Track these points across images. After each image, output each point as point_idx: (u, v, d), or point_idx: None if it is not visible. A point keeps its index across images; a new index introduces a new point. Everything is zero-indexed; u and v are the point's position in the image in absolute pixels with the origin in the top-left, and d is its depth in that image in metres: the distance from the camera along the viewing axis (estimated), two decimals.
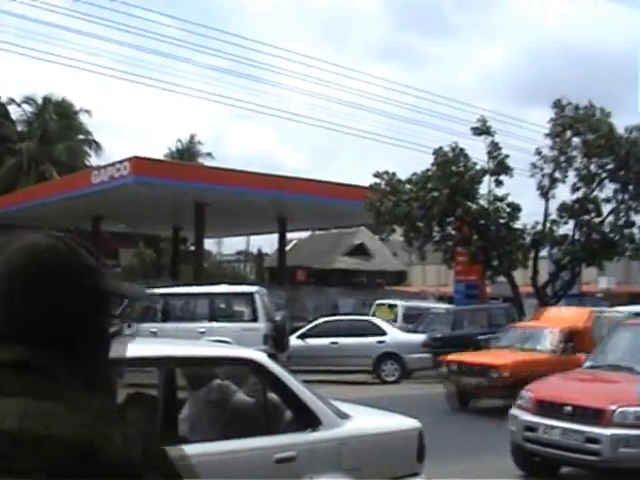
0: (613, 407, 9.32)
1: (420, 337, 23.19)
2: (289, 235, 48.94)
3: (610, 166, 31.75)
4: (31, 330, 1.35)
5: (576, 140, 32.17)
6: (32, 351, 1.33)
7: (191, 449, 5.51)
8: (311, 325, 23.99)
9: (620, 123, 32.41)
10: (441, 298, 41.29)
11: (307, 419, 5.99)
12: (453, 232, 31.79)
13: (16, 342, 1.33)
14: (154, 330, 18.53)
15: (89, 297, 1.42)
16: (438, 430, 9.41)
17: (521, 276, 35.18)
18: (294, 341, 22.01)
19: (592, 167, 32.16)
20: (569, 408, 9.73)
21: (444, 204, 30.23)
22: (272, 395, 6.08)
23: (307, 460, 5.88)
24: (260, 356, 6.24)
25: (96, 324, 1.43)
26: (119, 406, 1.59)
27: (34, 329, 1.35)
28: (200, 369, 6.48)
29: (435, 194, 30.32)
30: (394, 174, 31.81)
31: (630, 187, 32.11)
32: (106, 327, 1.45)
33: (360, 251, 60.94)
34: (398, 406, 8.56)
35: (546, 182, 32.23)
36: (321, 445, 5.99)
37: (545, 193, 32.33)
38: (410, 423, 6.86)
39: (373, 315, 27.90)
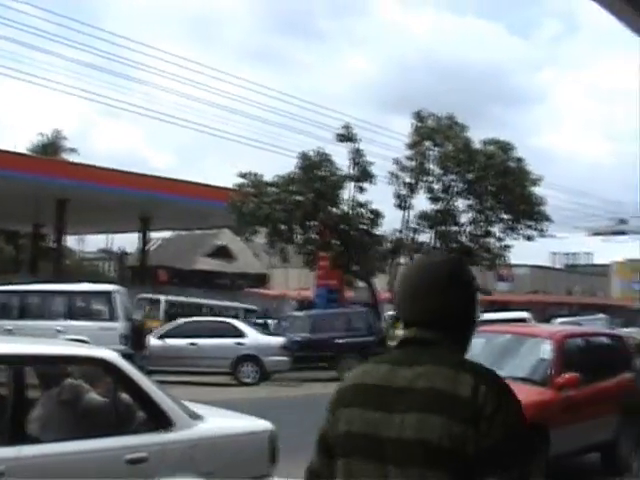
0: None
1: (279, 340, 23.29)
2: (154, 235, 48.31)
3: (469, 176, 32.81)
4: (442, 317, 2.14)
5: (434, 151, 33.18)
6: (435, 331, 2.13)
7: (42, 449, 5.49)
8: (171, 325, 23.82)
9: (479, 136, 33.58)
10: (302, 302, 41.57)
11: (159, 420, 5.93)
12: (315, 236, 32.14)
13: (427, 325, 2.14)
14: (9, 328, 18.00)
15: (473, 297, 2.23)
16: (294, 432, 9.39)
17: (382, 282, 35.90)
18: (153, 341, 21.84)
19: (449, 178, 33.17)
20: None
21: (307, 208, 30.55)
22: (125, 395, 6.02)
23: (158, 461, 5.82)
24: (112, 355, 6.15)
25: (474, 311, 2.23)
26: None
27: (445, 316, 2.15)
28: (51, 368, 6.35)
29: (299, 197, 30.61)
30: (259, 175, 31.97)
31: (488, 198, 33.26)
32: (475, 317, 2.25)
33: (223, 253, 60.75)
34: (256, 408, 8.55)
35: (404, 191, 33.02)
36: (173, 446, 5.94)
37: (403, 201, 33.11)
38: (262, 425, 6.81)
39: None
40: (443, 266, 2.20)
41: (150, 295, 33.31)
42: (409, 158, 33.06)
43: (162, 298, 32.69)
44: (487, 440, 1.92)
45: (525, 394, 10.04)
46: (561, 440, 9.86)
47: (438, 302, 2.14)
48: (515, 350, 11.42)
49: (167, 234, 61.50)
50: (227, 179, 64.41)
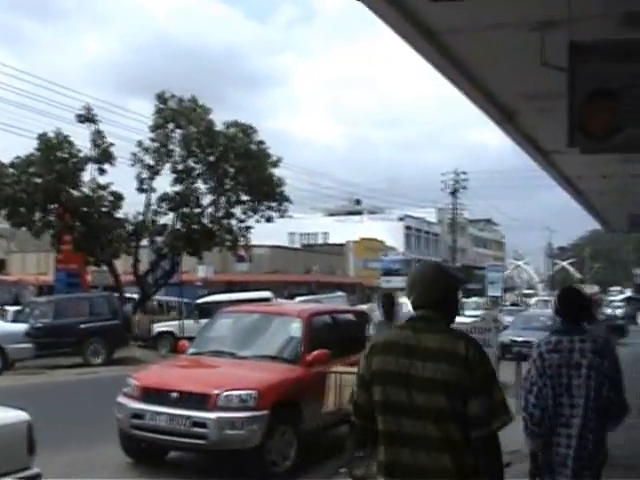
0: (217, 391, 9.58)
1: (22, 327, 22.76)
2: None
3: (211, 158, 33.40)
4: (436, 302, 3.63)
5: (177, 134, 33.46)
6: (434, 311, 3.63)
7: None
8: None
9: (220, 118, 34.18)
10: (41, 287, 40.46)
11: None
12: (55, 219, 31.49)
13: (428, 308, 3.63)
14: None
15: (454, 289, 3.82)
16: (47, 422, 9.23)
17: (123, 264, 35.75)
18: None
19: (192, 160, 33.61)
20: (175, 394, 9.80)
21: (47, 190, 29.91)
22: None
23: None
24: None
25: (455, 299, 3.80)
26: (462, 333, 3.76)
27: (438, 302, 3.64)
28: None
29: (38, 180, 29.90)
30: None
31: (228, 180, 34.00)
32: (457, 299, 3.94)
33: None
34: (2, 398, 8.26)
35: (146, 173, 33.10)
36: None
37: (144, 184, 33.15)
38: (18, 416, 6.62)
39: None
40: (432, 270, 3.80)
41: None
42: (153, 140, 33.18)
43: None
44: (474, 378, 3.44)
45: (276, 372, 10.34)
46: (314, 415, 10.17)
47: (433, 294, 3.67)
48: (264, 329, 11.61)
49: None
50: None
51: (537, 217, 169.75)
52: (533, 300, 60.03)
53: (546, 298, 61.40)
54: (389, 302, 10.63)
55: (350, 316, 13.63)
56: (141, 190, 33.23)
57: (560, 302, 5.48)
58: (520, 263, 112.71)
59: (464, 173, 70.37)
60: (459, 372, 3.41)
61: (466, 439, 3.43)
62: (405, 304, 8.05)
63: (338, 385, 9.67)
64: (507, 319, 32.99)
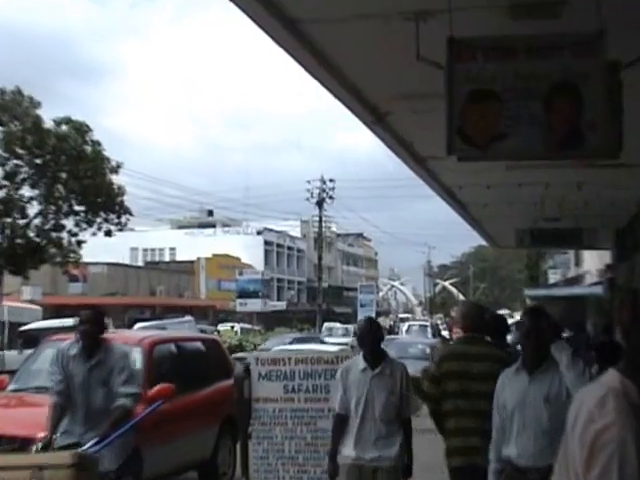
0: (43, 434, 8.81)
1: None
2: None
3: (38, 161, 32.52)
4: (477, 328, 7.50)
5: None
6: (476, 332, 7.53)
7: None
8: None
9: (50, 114, 33.25)
10: None
11: None
12: None
13: (473, 331, 7.56)
14: None
15: (487, 319, 8.11)
16: None
17: None
18: None
19: (15, 162, 32.62)
20: None
21: None
22: None
23: None
24: None
25: (489, 325, 7.88)
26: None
27: (478, 327, 7.51)
28: None
29: None
30: None
31: (59, 187, 33.15)
32: (490, 326, 8.14)
33: None
34: None
35: None
36: None
37: None
38: None
39: None
40: (472, 307, 8.30)
41: None
42: None
43: None
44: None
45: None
46: (156, 459, 10.06)
47: (474, 323, 7.39)
48: None
49: None
50: None
51: (415, 232, 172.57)
52: (405, 326, 58.69)
53: (424, 323, 62.02)
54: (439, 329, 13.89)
55: (199, 345, 13.51)
56: None
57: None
58: (396, 283, 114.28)
59: (331, 181, 69.72)
60: (499, 367, 6.44)
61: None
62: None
63: None
64: None
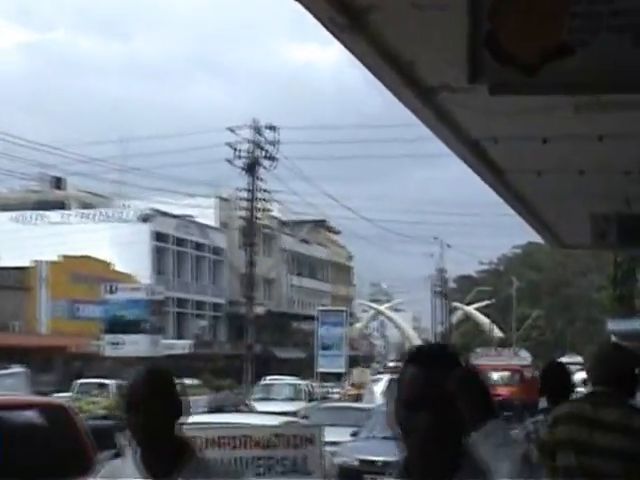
0: None
1: None
2: None
3: None
4: (613, 379, 6.11)
5: None
6: (610, 387, 6.05)
7: None
8: None
9: None
10: None
11: None
12: None
13: (604, 384, 6.13)
14: None
15: (633, 367, 6.53)
16: None
17: None
18: None
19: None
20: None
21: None
22: None
23: None
24: None
25: (633, 377, 6.25)
26: None
27: (615, 379, 6.07)
28: None
29: None
30: None
31: None
32: (635, 378, 6.55)
33: None
34: None
35: None
36: None
37: None
38: None
39: None
40: (609, 348, 6.79)
41: None
42: None
43: None
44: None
45: None
46: None
47: (609, 371, 5.85)
48: None
49: None
50: None
51: (415, 218, 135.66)
52: (377, 387, 35.31)
53: None
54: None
55: (33, 416, 10.09)
56: None
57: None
58: (384, 308, 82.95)
59: (271, 129, 51.19)
60: (634, 442, 5.48)
61: None
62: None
63: None
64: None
